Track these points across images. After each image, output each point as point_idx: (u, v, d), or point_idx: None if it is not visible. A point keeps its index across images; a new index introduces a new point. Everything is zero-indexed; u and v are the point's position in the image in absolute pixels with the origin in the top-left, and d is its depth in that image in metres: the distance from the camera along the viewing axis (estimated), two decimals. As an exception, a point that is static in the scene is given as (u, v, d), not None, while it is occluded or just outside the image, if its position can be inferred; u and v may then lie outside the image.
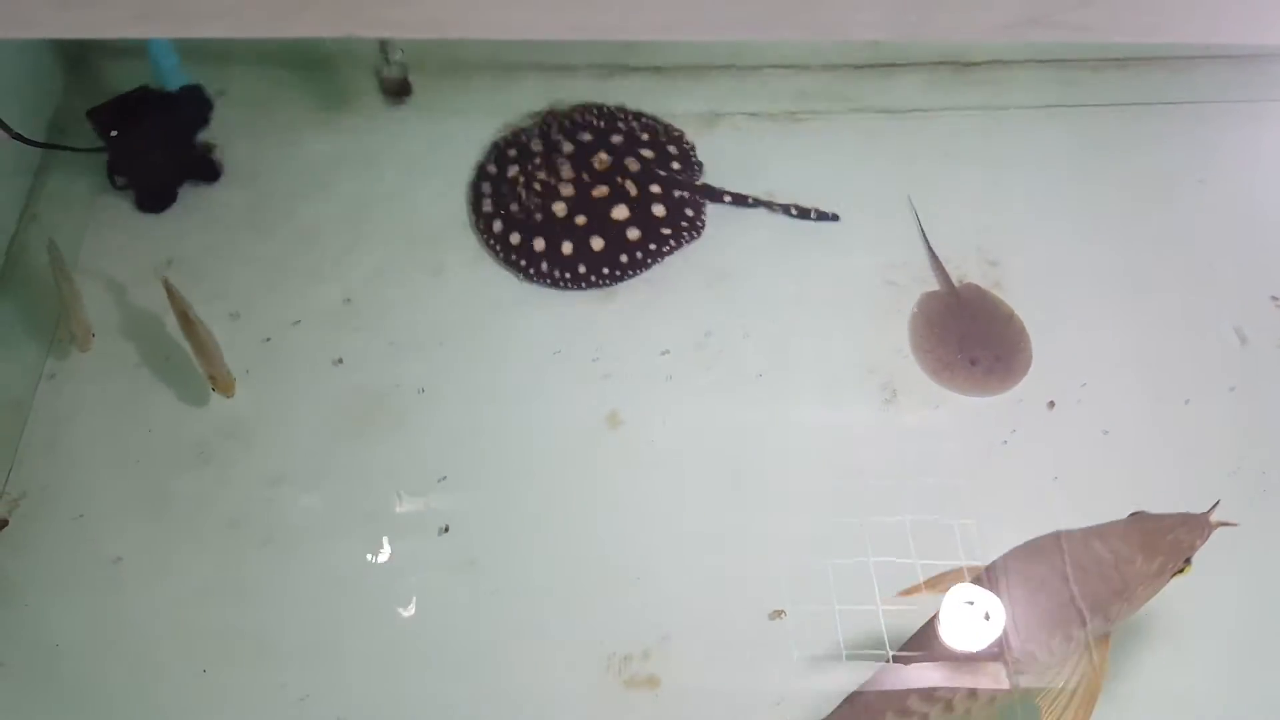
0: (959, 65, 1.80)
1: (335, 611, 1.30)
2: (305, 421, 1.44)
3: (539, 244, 1.57)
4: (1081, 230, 1.64)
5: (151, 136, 1.57)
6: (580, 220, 1.59)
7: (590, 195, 1.61)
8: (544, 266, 1.56)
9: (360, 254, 1.58)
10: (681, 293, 1.59)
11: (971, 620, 1.08)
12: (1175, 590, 1.09)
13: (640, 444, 1.45)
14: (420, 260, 1.59)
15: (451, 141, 1.67)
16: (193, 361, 1.40)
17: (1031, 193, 1.68)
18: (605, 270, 1.57)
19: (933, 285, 1.61)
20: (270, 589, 1.31)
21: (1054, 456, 1.44)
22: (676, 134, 1.72)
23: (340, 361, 1.50)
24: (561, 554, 1.36)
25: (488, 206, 1.61)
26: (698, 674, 1.28)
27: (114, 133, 1.52)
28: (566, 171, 1.61)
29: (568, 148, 1.64)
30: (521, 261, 1.57)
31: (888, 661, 1.25)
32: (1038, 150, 1.71)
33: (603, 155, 1.62)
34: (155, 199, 1.61)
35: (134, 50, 1.59)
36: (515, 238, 1.57)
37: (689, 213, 1.63)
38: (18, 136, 1.42)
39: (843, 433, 1.47)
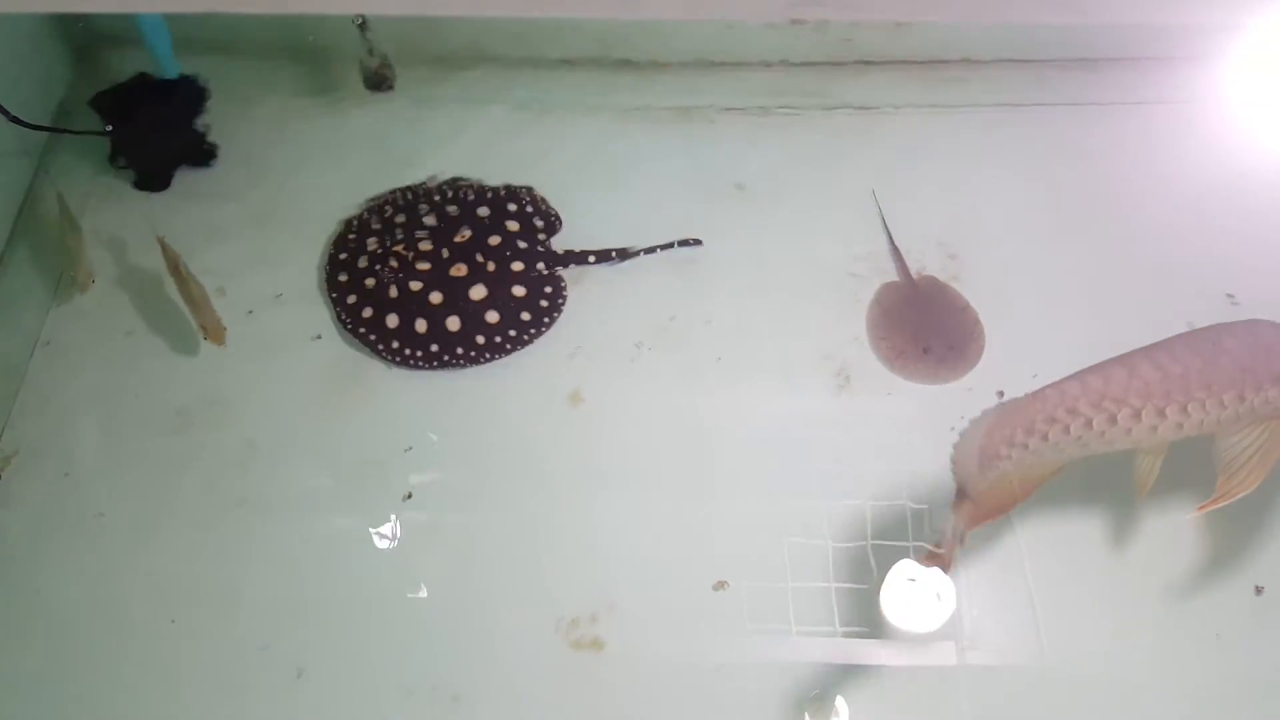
0: (930, 64, 1.85)
1: (300, 570, 1.38)
2: (282, 391, 1.52)
3: (392, 320, 1.52)
4: (1040, 226, 1.68)
5: (149, 122, 1.66)
6: (436, 298, 1.54)
7: (448, 273, 1.57)
8: (394, 344, 1.51)
9: (329, 231, 1.65)
10: (651, 278, 1.65)
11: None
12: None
13: (601, 421, 1.51)
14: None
15: (428, 129, 1.74)
16: (184, 319, 1.49)
17: (994, 189, 1.72)
18: (460, 351, 1.52)
19: (893, 277, 1.66)
20: (240, 547, 1.39)
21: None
22: (543, 206, 1.68)
23: (319, 337, 1.58)
24: (518, 522, 1.42)
25: (343, 277, 1.58)
26: (640, 638, 1.34)
27: (113, 119, 1.61)
28: (425, 246, 1.58)
29: (430, 221, 1.61)
30: (371, 336, 1.52)
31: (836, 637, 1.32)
32: (1001, 147, 1.76)
33: (465, 230, 1.60)
34: (152, 179, 1.70)
35: (136, 40, 1.67)
36: (368, 312, 1.54)
37: (548, 290, 1.59)
38: (15, 120, 1.51)
39: (795, 416, 1.52)
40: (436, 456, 1.47)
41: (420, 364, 1.52)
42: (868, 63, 1.87)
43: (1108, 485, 1.42)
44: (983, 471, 1.14)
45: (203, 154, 1.71)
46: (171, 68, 1.64)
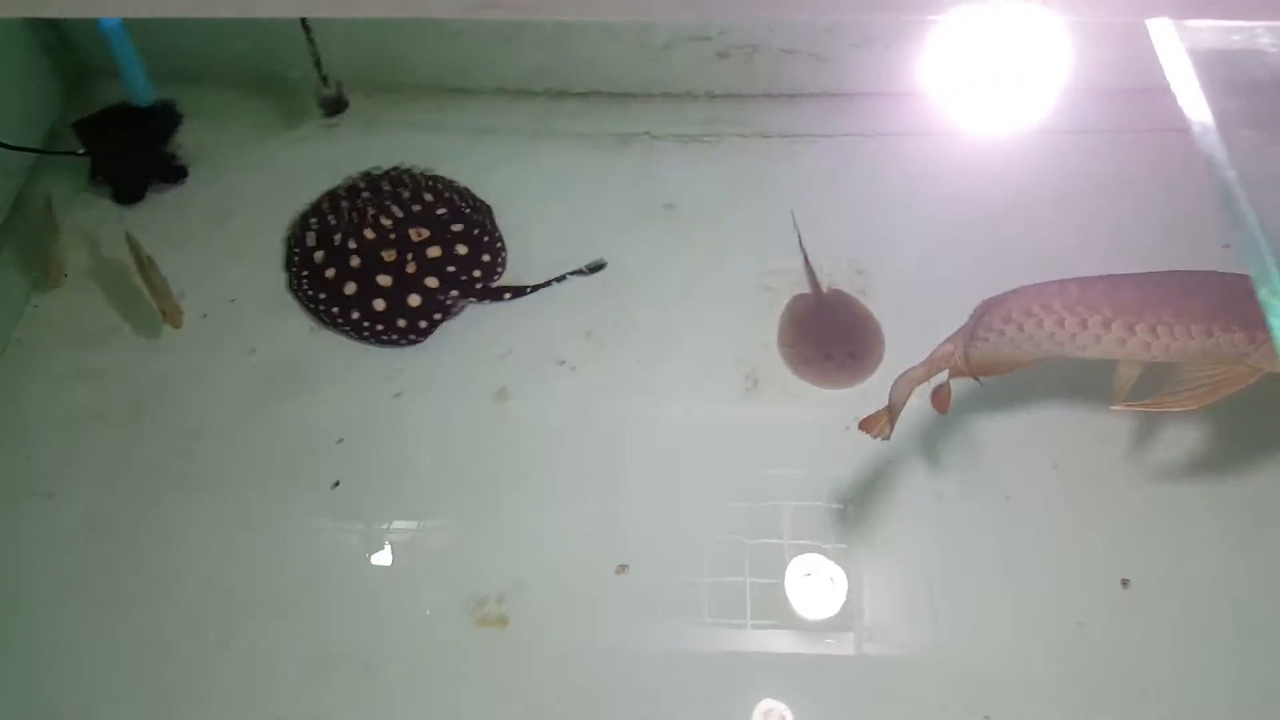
0: (848, 96, 1.98)
1: (230, 549, 1.49)
2: (227, 386, 1.65)
3: (350, 288, 1.71)
4: (942, 244, 1.78)
5: (125, 143, 1.83)
6: (384, 280, 1.72)
7: (404, 258, 1.74)
8: (343, 310, 1.69)
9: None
10: (582, 287, 1.78)
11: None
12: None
13: (524, 418, 1.62)
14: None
15: (377, 152, 1.89)
16: (146, 313, 1.66)
17: (901, 210, 1.84)
18: (382, 329, 1.68)
19: (805, 289, 1.77)
20: (177, 526, 1.50)
21: (892, 444, 1.57)
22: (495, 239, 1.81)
23: (266, 337, 1.71)
24: (437, 507, 1.53)
25: (310, 241, 1.77)
26: (544, 618, 1.43)
27: (92, 142, 1.80)
28: (386, 222, 1.76)
29: (395, 211, 1.79)
30: (322, 295, 1.71)
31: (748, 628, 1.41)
32: (909, 171, 1.87)
33: (423, 230, 1.77)
34: (128, 194, 1.86)
35: (119, 72, 1.85)
36: (331, 272, 1.73)
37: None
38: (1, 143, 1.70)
39: (704, 417, 1.62)
40: (365, 446, 1.58)
41: (374, 335, 1.68)
42: (794, 95, 2.00)
43: (1010, 480, 1.53)
44: (965, 347, 1.26)
45: (174, 172, 1.88)
46: (145, 95, 1.80)
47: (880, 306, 1.72)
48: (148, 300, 1.67)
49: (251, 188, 1.88)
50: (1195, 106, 0.64)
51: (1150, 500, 1.50)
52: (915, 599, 1.44)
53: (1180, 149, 0.72)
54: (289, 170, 1.90)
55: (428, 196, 1.83)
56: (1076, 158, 1.85)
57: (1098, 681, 1.37)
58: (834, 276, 1.77)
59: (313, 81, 1.86)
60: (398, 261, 1.75)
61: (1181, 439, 1.56)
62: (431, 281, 1.74)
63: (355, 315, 1.70)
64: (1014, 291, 1.27)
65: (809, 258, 1.78)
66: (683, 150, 1.97)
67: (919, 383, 1.32)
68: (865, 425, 1.33)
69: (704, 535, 1.49)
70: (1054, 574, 1.45)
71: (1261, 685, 1.35)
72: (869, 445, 1.57)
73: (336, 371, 1.67)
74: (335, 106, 1.90)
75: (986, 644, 1.40)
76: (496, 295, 1.75)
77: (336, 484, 1.55)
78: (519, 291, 1.75)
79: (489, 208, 1.85)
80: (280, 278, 1.77)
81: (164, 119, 1.84)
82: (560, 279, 1.76)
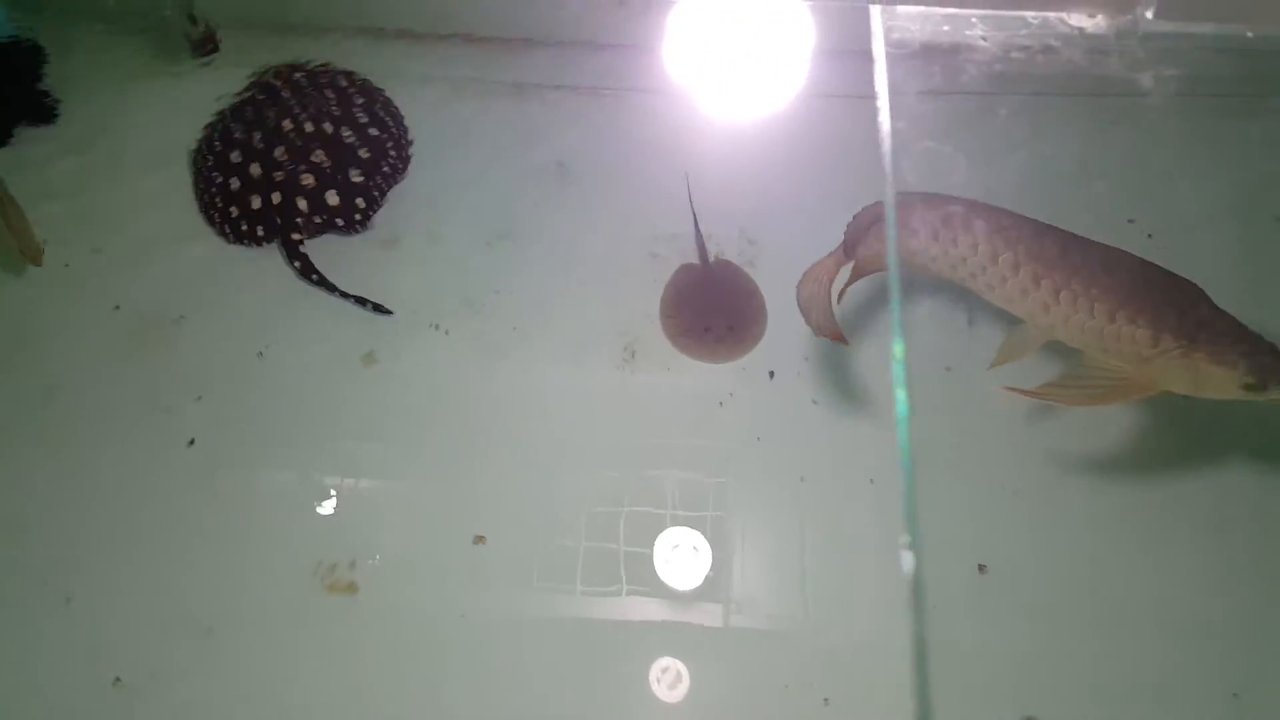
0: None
1: (83, 502, 1.46)
2: (86, 338, 1.60)
3: (255, 202, 1.67)
4: (835, 216, 1.74)
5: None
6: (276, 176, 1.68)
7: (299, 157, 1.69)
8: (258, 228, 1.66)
9: (161, 192, 1.74)
10: (460, 249, 1.73)
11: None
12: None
13: (391, 382, 1.59)
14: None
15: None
16: (8, 245, 1.58)
17: (799, 179, 1.78)
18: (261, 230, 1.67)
19: (693, 258, 1.73)
20: (24, 480, 1.48)
21: (763, 420, 1.56)
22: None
23: (129, 289, 1.65)
24: (293, 472, 1.50)
25: (219, 147, 1.72)
26: (395, 585, 1.42)
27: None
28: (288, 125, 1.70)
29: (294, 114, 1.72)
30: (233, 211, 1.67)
31: (622, 595, 1.40)
32: (809, 137, 1.81)
33: (320, 153, 1.71)
34: (-10, 135, 1.79)
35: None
36: (235, 184, 1.69)
37: (360, 203, 1.70)
38: None
39: (579, 387, 1.59)
40: (224, 405, 1.55)
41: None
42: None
43: (873, 465, 1.52)
44: (862, 248, 1.25)
45: (42, 112, 1.79)
46: (5, 28, 1.71)
47: (767, 279, 1.69)
48: (6, 239, 1.60)
49: (118, 132, 1.79)
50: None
51: (1013, 488, 1.49)
52: (786, 574, 1.43)
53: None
54: (162, 112, 1.81)
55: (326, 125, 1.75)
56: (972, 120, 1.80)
57: (943, 662, 1.38)
58: (723, 246, 1.73)
59: (180, 19, 1.76)
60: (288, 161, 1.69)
61: (1049, 430, 1.54)
62: (308, 181, 1.68)
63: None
64: (940, 197, 1.21)
65: (699, 225, 1.74)
66: (579, 103, 1.90)
67: (831, 275, 1.28)
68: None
69: (572, 505, 1.48)
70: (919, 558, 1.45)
71: (1116, 672, 1.36)
72: (743, 420, 1.57)
73: (199, 327, 1.62)
74: (205, 47, 1.81)
75: (844, 622, 1.41)
76: (351, 226, 1.70)
77: (192, 442, 1.52)
78: (329, 286, 1.65)
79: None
80: (148, 225, 1.71)
81: (27, 56, 1.75)
82: (345, 296, 1.65)
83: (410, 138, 1.80)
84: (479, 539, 1.46)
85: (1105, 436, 1.54)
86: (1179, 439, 1.53)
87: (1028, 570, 1.44)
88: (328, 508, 1.47)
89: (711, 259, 1.71)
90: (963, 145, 1.79)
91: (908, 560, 1.06)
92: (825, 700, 1.35)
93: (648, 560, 1.44)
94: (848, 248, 1.27)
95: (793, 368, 1.61)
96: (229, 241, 1.70)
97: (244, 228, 1.68)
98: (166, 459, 1.50)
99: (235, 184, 1.69)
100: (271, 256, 1.70)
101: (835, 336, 1.31)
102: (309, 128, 1.71)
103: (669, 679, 1.36)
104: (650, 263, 1.72)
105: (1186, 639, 1.37)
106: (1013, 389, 1.22)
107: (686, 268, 1.71)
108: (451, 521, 1.47)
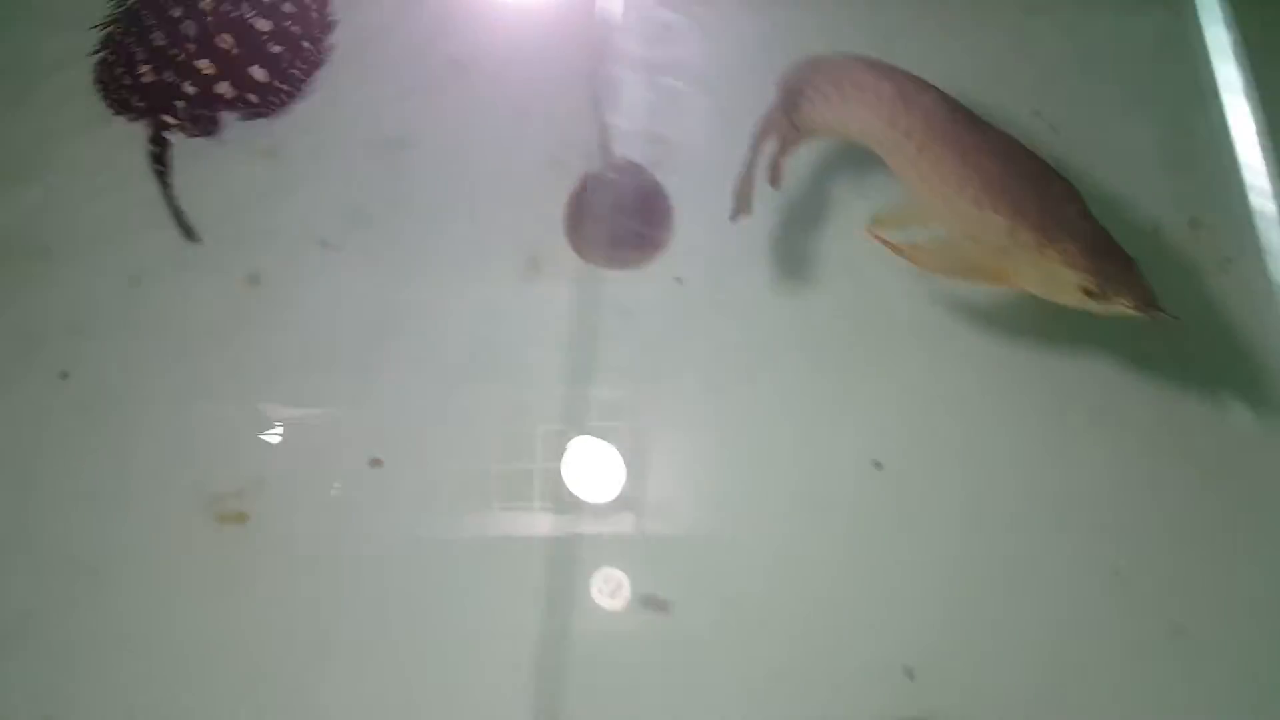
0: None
1: (-55, 443, 1.38)
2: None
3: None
4: (745, 123, 1.65)
5: None
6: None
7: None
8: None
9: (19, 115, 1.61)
10: (349, 161, 1.61)
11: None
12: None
13: (277, 305, 1.50)
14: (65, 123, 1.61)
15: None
16: None
17: (710, 80, 1.68)
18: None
19: (597, 162, 1.63)
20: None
21: (669, 329, 1.50)
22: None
23: (-6, 212, 1.54)
24: (175, 402, 1.42)
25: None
26: (287, 513, 1.37)
27: None
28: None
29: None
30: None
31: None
32: (726, 39, 1.71)
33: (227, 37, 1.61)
34: None
35: None
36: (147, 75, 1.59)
37: (252, 99, 1.61)
38: None
39: (478, 301, 1.52)
40: (98, 335, 1.46)
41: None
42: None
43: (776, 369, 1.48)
44: (786, 104, 1.26)
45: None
46: None
47: (675, 184, 1.60)
48: None
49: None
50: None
51: (906, 388, 1.46)
52: (698, 479, 1.41)
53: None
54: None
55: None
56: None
57: (848, 558, 1.38)
58: (630, 148, 1.64)
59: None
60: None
61: (952, 331, 1.50)
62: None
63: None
64: (856, 60, 1.21)
65: (604, 126, 1.64)
66: (478, -3, 1.77)
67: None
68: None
69: (475, 424, 1.43)
70: (808, 457, 1.43)
71: (996, 564, 1.36)
72: (649, 329, 1.51)
73: (71, 253, 1.51)
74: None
75: (749, 525, 1.39)
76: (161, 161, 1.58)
77: (64, 375, 1.43)
78: (164, 184, 1.56)
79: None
80: (15, 139, 1.58)
81: None
82: (176, 214, 1.54)
83: (327, 44, 1.67)
84: (375, 462, 1.40)
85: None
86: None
87: (918, 467, 1.42)
88: (212, 437, 1.40)
89: (617, 160, 1.62)
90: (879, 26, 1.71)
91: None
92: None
93: (556, 474, 1.40)
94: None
95: (700, 274, 1.54)
96: (113, 112, 1.60)
97: (126, 98, 1.59)
98: (37, 392, 1.41)
99: (140, 53, 1.59)
100: (145, 180, 1.57)
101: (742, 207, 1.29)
102: (227, 7, 1.60)
103: (609, 588, 1.34)
104: (552, 168, 1.62)
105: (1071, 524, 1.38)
106: (877, 236, 1.22)
107: (592, 175, 1.62)
108: (346, 445, 1.41)
